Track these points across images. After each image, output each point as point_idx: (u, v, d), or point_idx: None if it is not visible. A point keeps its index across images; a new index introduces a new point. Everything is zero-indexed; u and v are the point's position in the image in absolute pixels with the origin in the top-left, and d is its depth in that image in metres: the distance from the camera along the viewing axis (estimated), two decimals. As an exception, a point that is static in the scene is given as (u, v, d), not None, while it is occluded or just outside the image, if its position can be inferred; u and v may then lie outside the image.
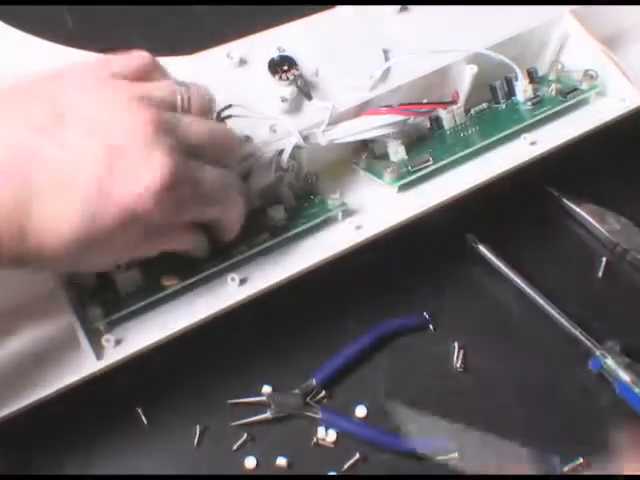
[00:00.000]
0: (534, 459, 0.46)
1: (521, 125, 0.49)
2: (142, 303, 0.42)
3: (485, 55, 0.48)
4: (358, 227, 0.45)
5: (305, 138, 0.44)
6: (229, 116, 0.43)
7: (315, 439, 0.45)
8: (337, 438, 0.45)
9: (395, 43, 0.49)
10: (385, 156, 0.48)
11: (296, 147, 0.44)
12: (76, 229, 0.34)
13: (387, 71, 0.48)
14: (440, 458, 0.45)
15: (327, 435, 0.45)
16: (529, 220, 0.54)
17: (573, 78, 0.52)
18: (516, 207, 0.53)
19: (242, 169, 0.43)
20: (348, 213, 0.46)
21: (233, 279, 0.43)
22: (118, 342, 0.41)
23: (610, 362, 0.47)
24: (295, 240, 0.45)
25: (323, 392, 0.47)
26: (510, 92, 0.51)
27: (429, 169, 0.47)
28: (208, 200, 0.39)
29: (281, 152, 0.44)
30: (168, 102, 0.38)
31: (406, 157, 0.47)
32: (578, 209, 0.54)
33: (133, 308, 0.42)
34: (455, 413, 0.47)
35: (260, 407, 0.46)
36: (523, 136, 0.49)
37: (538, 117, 0.50)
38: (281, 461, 0.44)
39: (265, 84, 0.46)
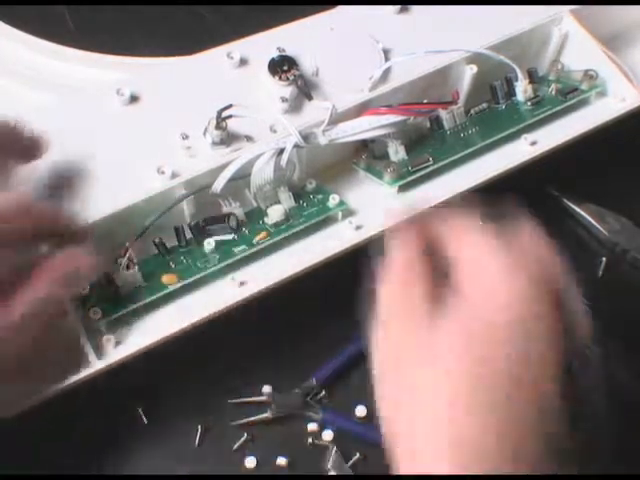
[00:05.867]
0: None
1: (521, 125, 0.49)
2: (142, 303, 0.42)
3: (485, 55, 0.48)
4: (358, 227, 0.45)
5: (305, 138, 0.44)
6: (229, 116, 0.43)
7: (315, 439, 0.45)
8: (337, 438, 0.45)
9: (395, 43, 0.49)
10: (385, 156, 0.48)
11: (296, 147, 0.44)
12: None
13: (387, 71, 0.48)
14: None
15: (326, 435, 0.45)
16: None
17: (573, 78, 0.51)
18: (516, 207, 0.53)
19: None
20: (348, 213, 0.46)
21: (233, 279, 0.43)
22: (118, 342, 0.41)
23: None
24: (295, 240, 0.45)
25: (323, 392, 0.47)
26: (510, 92, 0.50)
27: (429, 169, 0.47)
28: None
29: (281, 152, 0.44)
30: None
31: (406, 157, 0.47)
32: (578, 209, 0.54)
33: (133, 308, 0.42)
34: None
35: (260, 407, 0.46)
36: (523, 136, 0.49)
37: (538, 117, 0.50)
38: (281, 461, 0.44)
39: (265, 84, 0.46)
